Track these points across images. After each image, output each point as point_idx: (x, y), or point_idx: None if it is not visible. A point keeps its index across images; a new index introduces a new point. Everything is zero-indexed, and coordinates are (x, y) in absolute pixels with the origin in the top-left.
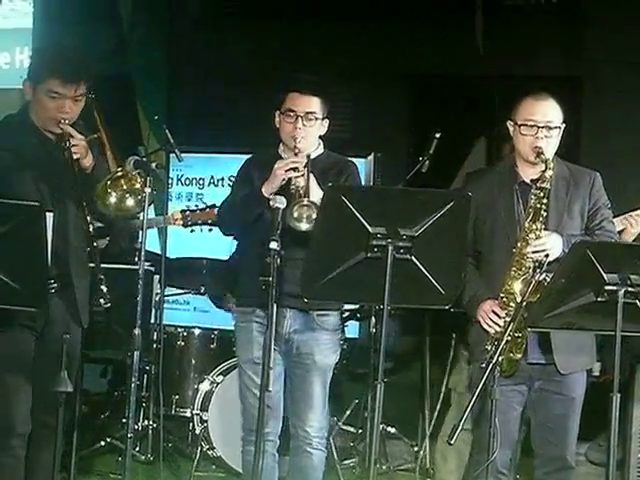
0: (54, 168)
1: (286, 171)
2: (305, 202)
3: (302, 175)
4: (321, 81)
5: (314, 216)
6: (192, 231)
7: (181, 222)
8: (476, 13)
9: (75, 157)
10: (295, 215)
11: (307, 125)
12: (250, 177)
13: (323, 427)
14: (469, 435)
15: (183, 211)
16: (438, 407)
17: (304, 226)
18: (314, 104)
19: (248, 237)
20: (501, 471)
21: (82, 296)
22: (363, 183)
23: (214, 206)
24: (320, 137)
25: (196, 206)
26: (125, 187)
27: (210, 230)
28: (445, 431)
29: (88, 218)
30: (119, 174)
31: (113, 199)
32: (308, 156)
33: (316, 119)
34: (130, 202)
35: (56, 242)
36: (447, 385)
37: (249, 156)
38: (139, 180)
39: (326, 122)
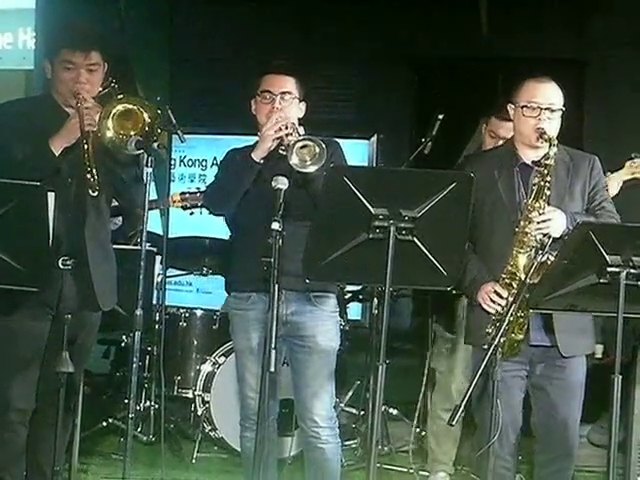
0: (73, 144)
1: (276, 131)
2: (300, 143)
3: (292, 132)
4: (295, 64)
5: (317, 150)
6: (192, 213)
7: (180, 204)
8: None
9: (86, 122)
10: (297, 161)
11: (284, 105)
12: (234, 161)
13: (332, 417)
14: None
15: (182, 193)
16: (422, 389)
17: (312, 167)
18: (289, 84)
19: (239, 220)
20: (505, 457)
21: (101, 279)
22: (366, 164)
23: None
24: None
25: (197, 189)
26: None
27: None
28: (435, 412)
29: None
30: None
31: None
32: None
33: (293, 99)
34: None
35: (70, 218)
36: (429, 365)
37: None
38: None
39: (303, 105)
